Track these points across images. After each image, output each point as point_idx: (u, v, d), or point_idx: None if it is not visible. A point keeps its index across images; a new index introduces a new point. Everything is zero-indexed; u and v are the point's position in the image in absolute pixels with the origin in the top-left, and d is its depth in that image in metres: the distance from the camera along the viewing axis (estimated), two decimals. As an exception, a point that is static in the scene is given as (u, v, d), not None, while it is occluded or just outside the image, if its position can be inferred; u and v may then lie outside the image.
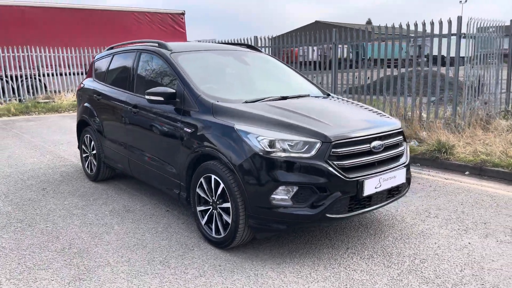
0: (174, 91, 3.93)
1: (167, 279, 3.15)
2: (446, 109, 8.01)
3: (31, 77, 15.94)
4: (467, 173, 6.01)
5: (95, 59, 5.98)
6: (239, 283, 3.07)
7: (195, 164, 3.72)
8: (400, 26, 8.28)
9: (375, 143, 3.44)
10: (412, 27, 8.14)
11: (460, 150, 6.50)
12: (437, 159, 6.40)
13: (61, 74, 16.90)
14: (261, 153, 3.19)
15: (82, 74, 16.97)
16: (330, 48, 10.23)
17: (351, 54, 10.15)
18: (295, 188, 3.17)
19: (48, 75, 16.39)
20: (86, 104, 5.71)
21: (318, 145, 3.20)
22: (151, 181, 4.55)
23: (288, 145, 3.20)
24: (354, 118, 3.77)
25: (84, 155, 5.92)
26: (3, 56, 15.22)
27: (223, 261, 3.41)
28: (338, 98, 4.47)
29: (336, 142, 3.24)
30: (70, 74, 16.95)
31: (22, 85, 15.99)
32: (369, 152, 3.42)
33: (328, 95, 4.62)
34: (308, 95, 4.37)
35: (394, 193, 3.70)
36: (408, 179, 3.89)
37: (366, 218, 4.30)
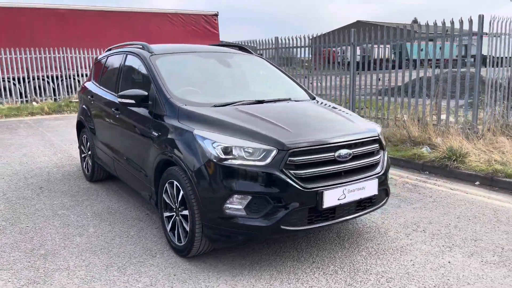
0: (146, 94, 3.87)
1: (118, 286, 3.09)
2: (467, 113, 7.51)
3: (69, 78, 16.59)
4: (477, 183, 5.59)
5: (95, 61, 6.06)
6: None
7: (162, 169, 3.65)
8: (435, 24, 7.67)
9: (341, 152, 3.23)
10: (447, 25, 7.67)
11: (473, 158, 6.06)
12: (446, 168, 6.00)
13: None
14: (215, 160, 3.06)
15: None
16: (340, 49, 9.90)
17: (392, 55, 9.15)
18: (249, 198, 3.02)
19: (85, 75, 16.98)
20: (83, 106, 5.80)
21: (273, 153, 3.03)
22: (130, 184, 4.53)
23: (244, 152, 3.06)
24: (323, 125, 3.55)
25: (82, 155, 6.01)
26: (44, 57, 15.87)
27: (179, 270, 3.31)
28: (320, 103, 4.25)
29: (294, 150, 3.06)
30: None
31: (62, 84, 16.66)
32: (334, 161, 3.21)
33: (313, 98, 4.42)
34: (289, 99, 4.19)
35: (365, 205, 3.46)
36: (385, 190, 3.63)
37: (346, 229, 4.06)
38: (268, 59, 5.01)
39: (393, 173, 6.16)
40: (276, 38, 11.43)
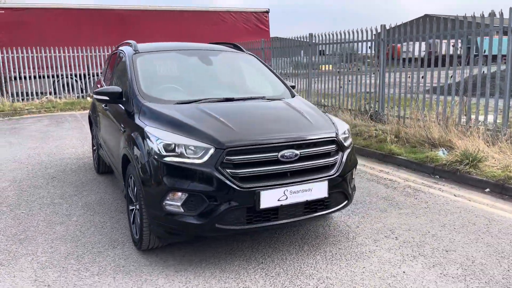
0: (120, 91, 4.03)
1: (67, 274, 3.27)
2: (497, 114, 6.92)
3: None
4: (487, 190, 5.17)
5: (107, 58, 6.38)
6: (121, 287, 3.06)
7: (125, 164, 3.78)
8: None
9: (285, 152, 3.15)
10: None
11: (490, 163, 5.60)
12: (457, 172, 5.60)
13: None
14: (156, 157, 3.13)
15: None
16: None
17: (461, 50, 8.09)
18: (186, 195, 3.05)
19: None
20: (92, 102, 6.13)
21: (211, 151, 3.04)
22: (116, 177, 4.73)
23: (185, 149, 3.09)
24: (275, 125, 3.48)
25: (93, 148, 6.36)
26: (103, 55, 16.85)
27: (129, 262, 3.43)
28: (293, 102, 4.11)
29: (231, 149, 3.04)
30: None
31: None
32: (277, 162, 3.14)
33: (293, 96, 4.33)
34: (263, 97, 4.14)
35: (316, 207, 3.35)
36: (343, 193, 3.49)
37: (313, 231, 3.96)
38: (259, 58, 4.91)
39: (401, 176, 5.87)
40: (336, 32, 10.19)
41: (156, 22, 19.87)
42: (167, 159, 3.09)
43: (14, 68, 16.47)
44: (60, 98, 16.17)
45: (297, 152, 3.20)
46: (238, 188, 3.00)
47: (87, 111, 14.29)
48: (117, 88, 4.05)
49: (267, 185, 3.07)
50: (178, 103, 3.75)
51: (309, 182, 3.21)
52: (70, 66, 16.79)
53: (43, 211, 4.65)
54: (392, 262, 3.37)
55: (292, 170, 3.19)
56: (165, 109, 3.58)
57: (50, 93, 16.76)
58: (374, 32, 9.07)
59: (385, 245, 3.67)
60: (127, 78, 4.17)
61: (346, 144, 3.59)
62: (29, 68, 16.63)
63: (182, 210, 3.07)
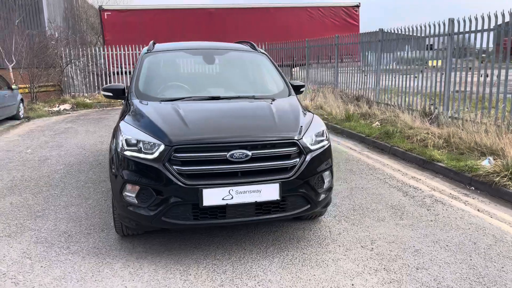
0: (123, 87, 4.37)
1: (50, 250, 3.68)
2: None
3: None
4: (522, 207, 4.55)
5: None
6: (71, 271, 3.31)
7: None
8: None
9: (234, 152, 3.18)
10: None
11: (537, 177, 4.90)
12: (493, 184, 4.99)
13: None
14: (119, 150, 3.38)
15: None
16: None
17: None
18: (138, 188, 3.26)
19: None
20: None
21: (161, 148, 3.19)
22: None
23: (143, 145, 3.29)
24: (233, 124, 3.54)
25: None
26: None
27: (105, 245, 3.74)
28: (276, 102, 4.05)
29: (179, 146, 3.16)
30: None
31: None
32: (225, 161, 3.19)
33: (289, 96, 4.29)
34: (252, 97, 4.17)
35: (270, 209, 3.32)
36: (304, 198, 3.39)
37: (288, 234, 3.90)
38: (269, 57, 4.89)
39: (431, 184, 5.43)
40: (451, 20, 8.24)
41: (241, 19, 20.50)
42: (126, 153, 3.32)
43: (116, 64, 18.36)
44: None
45: (249, 152, 3.21)
46: (183, 185, 3.11)
47: None
48: (120, 85, 4.39)
49: (211, 183, 3.14)
50: (162, 101, 3.96)
51: (258, 184, 3.20)
52: None
53: (70, 193, 5.23)
54: (348, 274, 3.20)
55: (242, 170, 3.21)
56: (144, 106, 3.81)
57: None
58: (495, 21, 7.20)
59: (353, 256, 3.49)
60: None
61: (313, 147, 3.48)
62: (129, 64, 18.40)
63: (136, 201, 3.28)
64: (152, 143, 3.23)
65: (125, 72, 18.16)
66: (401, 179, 5.69)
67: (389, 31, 10.70)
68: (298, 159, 3.36)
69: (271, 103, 3.94)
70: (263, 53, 4.98)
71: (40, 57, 14.73)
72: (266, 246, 3.67)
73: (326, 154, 3.60)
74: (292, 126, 3.50)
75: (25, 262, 3.46)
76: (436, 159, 6.10)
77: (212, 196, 3.13)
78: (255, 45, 5.13)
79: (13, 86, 12.49)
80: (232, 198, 3.15)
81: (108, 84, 4.55)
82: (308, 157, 3.41)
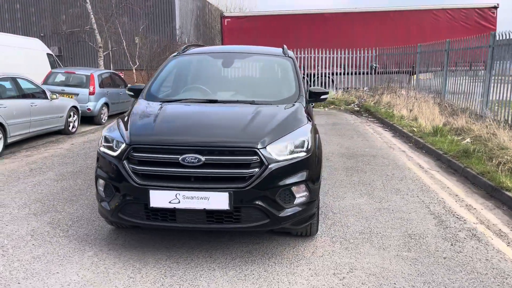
0: (141, 88, 4.62)
1: (38, 229, 4.06)
2: None
3: (323, 76, 18.44)
4: None
5: None
6: (50, 252, 3.60)
7: None
8: None
9: (187, 156, 3.12)
10: None
11: None
12: (555, 225, 3.99)
13: (349, 73, 18.69)
14: (99, 145, 3.60)
15: (365, 74, 18.22)
16: None
17: None
18: (104, 183, 3.42)
19: (338, 74, 18.52)
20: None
21: (123, 146, 3.30)
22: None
23: (114, 142, 3.44)
24: (204, 129, 3.43)
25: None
26: (306, 57, 18.14)
27: (89, 233, 3.99)
28: (272, 108, 3.87)
29: (136, 146, 3.23)
30: (357, 73, 18.50)
31: (314, 81, 18.82)
32: (177, 164, 3.15)
33: (295, 103, 4.06)
34: (252, 101, 4.03)
35: (222, 219, 3.18)
36: (261, 210, 3.16)
37: (267, 247, 3.67)
38: (294, 63, 4.63)
39: (483, 216, 4.60)
40: None
41: (358, 24, 19.85)
42: (101, 148, 3.51)
43: None
44: None
45: (202, 158, 3.12)
46: (134, 184, 3.17)
47: (324, 109, 15.75)
48: (141, 86, 4.64)
49: (158, 185, 3.13)
50: (162, 101, 4.09)
51: (207, 191, 3.09)
52: None
53: (79, 182, 5.68)
54: (291, 300, 2.90)
55: (193, 175, 3.13)
56: (138, 106, 3.98)
57: None
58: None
59: (315, 282, 3.14)
60: (155, 77, 4.74)
61: (281, 157, 3.23)
62: None
63: (104, 195, 3.45)
64: (117, 141, 3.36)
65: None
66: (450, 205, 4.90)
67: (503, 36, 9.29)
68: (257, 169, 3.15)
69: (260, 109, 3.76)
70: (289, 57, 4.78)
71: (156, 60, 16.32)
72: (234, 257, 3.52)
73: (299, 167, 3.30)
74: (258, 135, 3.29)
75: (26, 239, 3.88)
76: (505, 187, 5.10)
77: (159, 198, 3.12)
78: (285, 49, 4.95)
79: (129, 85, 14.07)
80: (179, 202, 3.11)
81: (133, 84, 4.85)
82: (271, 168, 3.17)
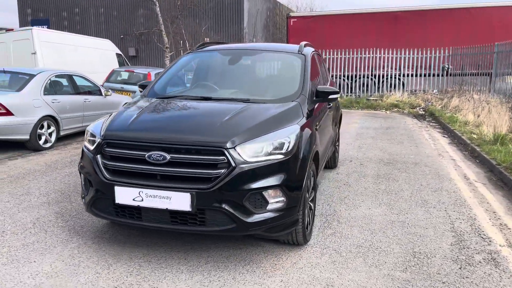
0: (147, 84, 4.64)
1: (40, 219, 4.21)
2: None
3: (392, 77, 17.59)
4: None
5: None
6: (36, 240, 3.70)
7: None
8: None
9: (153, 153, 3.03)
10: None
11: None
12: None
13: (420, 75, 17.63)
14: (84, 140, 3.64)
15: (436, 75, 17.06)
16: None
17: None
18: (84, 177, 3.46)
19: (408, 75, 17.57)
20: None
21: (97, 141, 3.30)
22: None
23: (96, 138, 3.45)
24: (179, 126, 3.32)
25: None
26: (373, 57, 17.42)
27: (81, 227, 4.03)
28: (262, 106, 3.67)
29: (108, 141, 3.21)
30: (427, 75, 17.39)
31: (383, 82, 18.04)
32: (143, 161, 3.07)
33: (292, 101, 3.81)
34: (247, 100, 3.83)
35: (186, 220, 3.04)
36: (227, 215, 2.97)
37: (248, 254, 3.46)
38: (305, 61, 4.36)
39: (510, 226, 3.97)
40: None
41: (432, 22, 18.59)
42: (85, 143, 3.55)
43: None
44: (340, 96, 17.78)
45: (167, 156, 3.01)
46: (103, 179, 3.15)
47: (361, 111, 15.25)
48: (147, 82, 4.66)
49: (123, 181, 3.08)
50: (158, 98, 4.06)
51: (169, 190, 2.97)
52: (340, 67, 18.18)
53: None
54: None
55: (157, 173, 3.04)
56: (133, 102, 3.98)
57: None
58: None
59: (280, 296, 2.89)
60: (165, 73, 4.74)
61: (252, 159, 3.01)
62: None
63: (83, 189, 3.49)
64: (95, 135, 3.37)
65: None
66: (480, 223, 4.30)
67: None
68: (224, 170, 2.97)
69: (247, 108, 3.57)
70: (302, 54, 4.51)
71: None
72: (208, 261, 3.36)
73: (273, 170, 3.07)
74: (228, 134, 3.10)
75: (27, 226, 4.05)
76: (553, 206, 4.38)
77: (123, 195, 3.07)
78: (302, 46, 4.70)
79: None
80: (142, 200, 3.03)
81: (144, 81, 4.89)
82: (239, 170, 2.97)
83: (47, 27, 26.99)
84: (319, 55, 5.83)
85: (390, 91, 17.25)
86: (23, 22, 28.57)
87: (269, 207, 3.09)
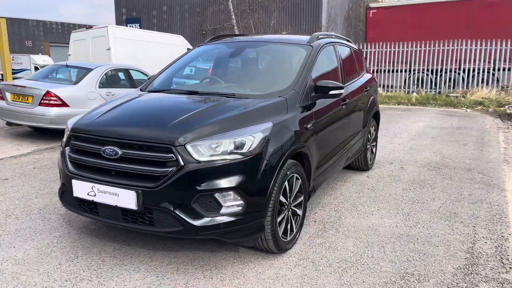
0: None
1: (27, 207, 4.38)
2: None
3: (484, 72, 16.00)
4: None
5: None
6: (14, 230, 3.89)
7: None
8: None
9: (106, 148, 2.96)
10: None
11: None
12: None
13: None
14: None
15: None
16: None
17: None
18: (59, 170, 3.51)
19: (504, 69, 15.87)
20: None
21: (68, 133, 3.32)
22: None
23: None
24: (143, 119, 3.19)
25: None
26: (463, 49, 15.98)
27: (68, 221, 4.11)
28: (242, 101, 3.39)
29: (73, 133, 3.21)
30: None
31: (473, 77, 16.48)
32: (100, 155, 3.01)
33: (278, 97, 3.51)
34: (233, 94, 3.60)
35: (136, 219, 2.92)
36: (173, 216, 2.79)
37: (218, 260, 3.25)
38: (310, 53, 3.96)
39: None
40: None
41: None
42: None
43: (374, 62, 18.33)
44: (407, 92, 16.64)
45: (119, 151, 2.91)
46: (67, 172, 3.15)
47: (403, 106, 14.12)
48: (154, 76, 4.62)
49: (80, 175, 3.04)
50: (149, 91, 4.01)
51: (117, 186, 2.87)
52: (425, 61, 16.92)
53: None
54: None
55: (109, 168, 2.95)
56: (121, 95, 3.96)
57: (400, 87, 17.58)
58: None
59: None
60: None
61: (204, 158, 2.79)
62: (388, 62, 18.03)
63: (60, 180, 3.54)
64: (69, 128, 3.39)
65: (382, 71, 17.89)
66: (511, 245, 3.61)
67: None
68: (172, 169, 2.79)
69: (220, 103, 3.35)
70: (310, 46, 4.15)
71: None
72: (170, 263, 3.22)
73: (229, 171, 2.81)
74: (181, 130, 2.88)
75: (31, 212, 4.22)
76: None
77: (79, 189, 3.04)
78: (314, 36, 4.33)
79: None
80: (95, 195, 2.97)
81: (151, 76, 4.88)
82: (187, 169, 2.77)
83: (139, 26, 28.90)
84: (350, 47, 5.35)
85: (483, 87, 15.52)
86: (119, 21, 30.85)
87: (224, 210, 2.85)
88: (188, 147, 2.80)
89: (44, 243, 3.54)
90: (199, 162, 2.79)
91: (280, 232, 3.24)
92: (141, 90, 4.14)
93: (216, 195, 2.81)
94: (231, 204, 2.85)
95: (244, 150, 2.88)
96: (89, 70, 8.57)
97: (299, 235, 3.58)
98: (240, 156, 2.86)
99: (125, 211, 2.93)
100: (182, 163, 2.77)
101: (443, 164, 6.31)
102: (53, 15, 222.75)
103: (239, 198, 2.86)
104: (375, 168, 6.04)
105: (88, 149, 3.09)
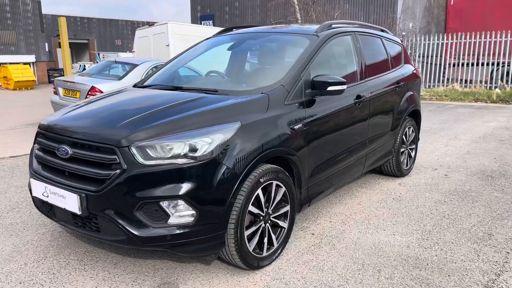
0: None
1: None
2: None
3: None
4: None
5: None
6: (9, 226, 3.88)
7: None
8: None
9: (60, 147, 2.78)
10: None
11: None
12: None
13: None
14: None
15: None
16: None
17: None
18: None
19: None
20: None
21: (37, 130, 3.22)
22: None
23: None
24: (107, 116, 2.95)
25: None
26: None
27: None
28: (219, 98, 3.03)
29: (40, 131, 3.08)
30: None
31: None
32: (55, 154, 2.84)
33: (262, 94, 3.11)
34: (215, 90, 3.26)
35: (85, 224, 2.71)
36: (115, 224, 2.53)
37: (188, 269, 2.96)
38: (309, 46, 3.45)
39: None
40: None
41: None
42: None
43: (455, 55, 16.81)
44: (489, 88, 15.07)
45: (70, 151, 2.72)
46: (31, 170, 3.05)
47: (481, 104, 12.66)
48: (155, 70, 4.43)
49: (38, 174, 2.91)
50: (137, 87, 3.83)
51: (63, 188, 2.68)
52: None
53: None
54: None
55: (61, 168, 2.77)
56: (107, 92, 3.82)
57: (486, 82, 15.94)
58: None
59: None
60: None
61: (150, 162, 2.49)
62: (468, 54, 16.45)
63: None
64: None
65: (462, 64, 16.37)
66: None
67: None
68: (115, 172, 2.52)
69: (192, 100, 3.03)
70: (315, 35, 3.67)
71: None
72: (133, 271, 2.98)
73: (178, 177, 2.48)
74: (128, 130, 2.59)
75: (28, 207, 4.27)
76: None
77: (36, 188, 2.90)
78: (325, 25, 3.85)
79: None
80: (48, 196, 2.81)
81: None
82: (130, 173, 2.49)
83: (212, 22, 29.46)
84: (381, 37, 4.73)
85: None
86: (194, 18, 31.71)
87: (172, 221, 2.53)
88: (133, 148, 2.52)
89: (24, 240, 3.49)
90: (143, 165, 2.50)
91: (251, 246, 2.85)
92: (133, 85, 3.95)
93: (162, 203, 2.50)
94: (181, 214, 2.53)
95: (198, 153, 2.54)
96: (134, 65, 8.71)
97: (282, 250, 3.15)
98: (192, 161, 2.52)
99: (74, 215, 2.74)
100: (125, 166, 2.50)
101: (500, 172, 5.39)
102: (143, 16, 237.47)
103: (190, 208, 2.53)
104: (413, 174, 5.32)
105: (47, 148, 2.95)
